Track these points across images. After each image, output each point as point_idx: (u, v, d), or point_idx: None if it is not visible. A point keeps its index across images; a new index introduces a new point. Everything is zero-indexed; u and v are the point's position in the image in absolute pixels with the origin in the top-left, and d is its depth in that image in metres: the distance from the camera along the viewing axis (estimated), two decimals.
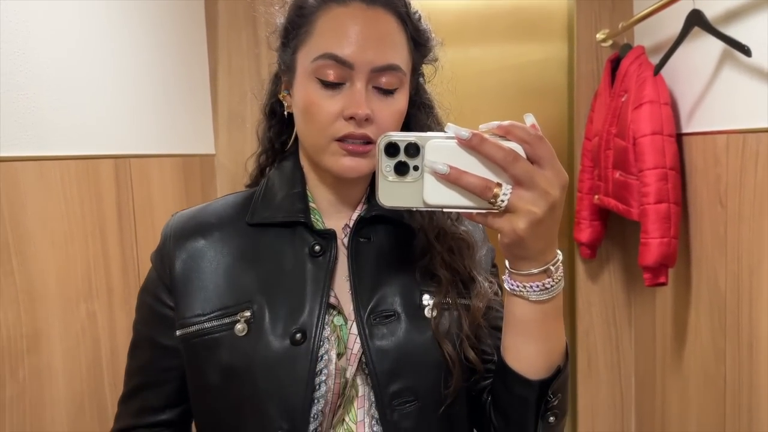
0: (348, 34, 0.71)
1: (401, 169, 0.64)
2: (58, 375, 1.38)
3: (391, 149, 0.63)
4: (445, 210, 0.65)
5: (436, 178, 0.62)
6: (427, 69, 0.85)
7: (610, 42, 2.32)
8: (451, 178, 0.61)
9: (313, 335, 0.72)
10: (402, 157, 0.63)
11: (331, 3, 0.74)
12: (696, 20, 1.68)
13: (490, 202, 0.61)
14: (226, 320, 0.74)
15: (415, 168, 0.63)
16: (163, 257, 0.81)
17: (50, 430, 1.35)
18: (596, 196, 2.21)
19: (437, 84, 0.85)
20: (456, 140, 0.62)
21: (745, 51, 1.54)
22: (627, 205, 2.00)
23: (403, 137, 0.64)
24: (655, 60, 1.91)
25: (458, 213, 0.73)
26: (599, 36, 2.33)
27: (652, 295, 2.24)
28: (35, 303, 1.31)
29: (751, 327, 1.58)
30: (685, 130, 1.92)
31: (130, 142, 1.78)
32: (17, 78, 1.30)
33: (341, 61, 0.72)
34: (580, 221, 2.35)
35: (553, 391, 0.69)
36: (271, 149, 0.89)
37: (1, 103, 1.25)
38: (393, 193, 0.64)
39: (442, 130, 0.70)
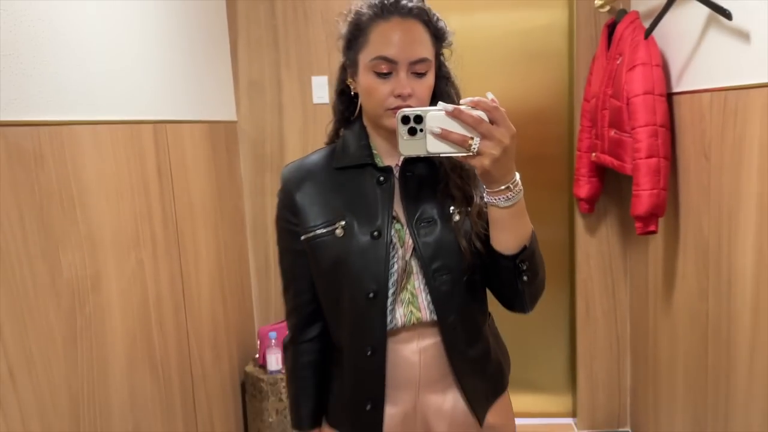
0: (392, 41, 1.05)
1: (412, 131, 0.95)
2: (115, 312, 1.59)
3: (405, 119, 0.96)
4: (440, 155, 0.97)
5: (433, 135, 0.95)
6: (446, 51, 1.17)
7: (607, 8, 2.44)
8: (442, 136, 0.94)
9: (385, 233, 1.09)
10: (412, 123, 0.95)
11: (378, 19, 1.07)
12: None
13: (467, 149, 0.94)
14: (330, 228, 1.11)
15: (421, 130, 0.95)
16: (285, 194, 1.17)
17: (111, 356, 1.56)
18: (593, 154, 2.37)
19: (450, 58, 1.17)
20: (444, 112, 0.94)
21: (727, 15, 1.68)
22: (621, 161, 2.16)
23: (412, 111, 0.95)
24: (648, 24, 2.05)
25: (449, 157, 1.02)
26: (597, 2, 2.46)
27: (645, 245, 2.42)
28: (96, 249, 1.51)
29: (729, 266, 1.76)
30: (675, 89, 2.07)
31: (166, 108, 1.96)
32: (77, 53, 1.48)
33: (389, 60, 1.05)
34: (579, 178, 2.51)
35: (521, 260, 1.03)
36: (341, 118, 1.21)
37: (64, 74, 1.43)
38: (407, 147, 0.97)
39: (457, 92, 1.13)
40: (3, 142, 1.22)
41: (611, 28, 2.32)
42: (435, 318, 1.11)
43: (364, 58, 1.08)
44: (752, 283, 1.64)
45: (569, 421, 2.87)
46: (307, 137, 2.68)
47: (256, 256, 2.75)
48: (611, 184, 2.54)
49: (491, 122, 0.93)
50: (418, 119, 0.95)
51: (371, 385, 1.13)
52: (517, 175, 0.98)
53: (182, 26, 2.12)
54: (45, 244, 1.32)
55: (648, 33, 1.97)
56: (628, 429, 2.76)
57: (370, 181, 1.13)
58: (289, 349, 1.24)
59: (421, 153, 0.97)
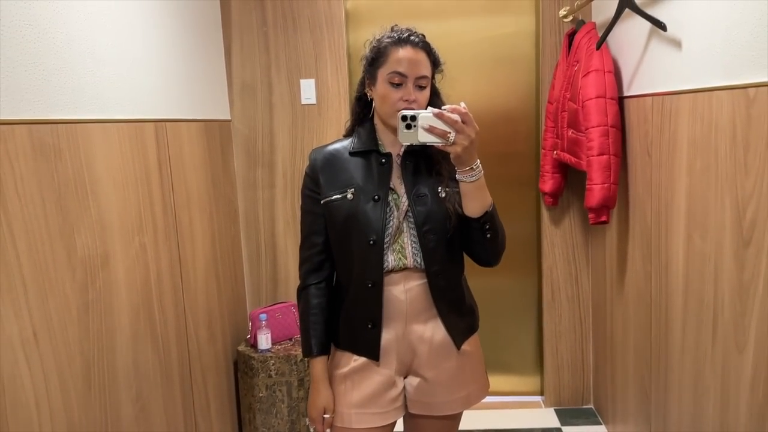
0: (405, 62, 1.43)
1: (408, 126, 1.34)
2: (122, 288, 1.80)
3: (404, 117, 1.34)
4: (427, 143, 1.35)
5: (423, 130, 1.33)
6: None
7: (570, 18, 2.67)
8: (429, 130, 1.33)
9: (384, 198, 1.47)
10: (408, 121, 1.34)
11: (395, 46, 1.45)
12: (627, 2, 2.04)
13: (446, 140, 1.33)
14: (343, 194, 1.49)
15: (414, 126, 1.34)
16: (312, 170, 1.55)
17: (117, 327, 1.77)
18: (555, 152, 2.60)
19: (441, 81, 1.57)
20: (431, 113, 1.32)
21: (662, 27, 1.91)
22: (578, 158, 2.39)
23: (409, 112, 1.34)
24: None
25: (434, 145, 1.36)
26: (561, 12, 2.69)
27: (603, 235, 2.64)
28: (105, 231, 1.72)
29: (668, 251, 1.98)
30: (626, 93, 2.30)
31: (166, 108, 2.17)
32: (89, 61, 1.69)
33: (401, 74, 1.44)
34: (544, 174, 2.74)
35: (484, 221, 1.43)
36: (357, 118, 1.59)
37: (79, 79, 1.64)
38: (404, 137, 1.35)
39: (443, 102, 1.51)
40: (28, 137, 1.43)
41: (571, 36, 2.55)
42: (419, 266, 1.49)
43: (383, 72, 1.46)
44: (683, 266, 1.87)
45: (538, 398, 3.10)
46: (295, 135, 2.90)
47: (248, 244, 2.97)
48: (573, 179, 2.76)
49: (463, 122, 1.32)
50: (413, 118, 1.34)
51: (372, 309, 1.50)
52: (478, 161, 1.39)
53: (180, 33, 2.33)
54: (62, 225, 1.54)
55: (599, 45, 2.20)
56: (591, 405, 2.99)
57: (375, 162, 1.51)
58: (300, 294, 1.60)
59: (414, 142, 1.35)
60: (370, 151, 1.52)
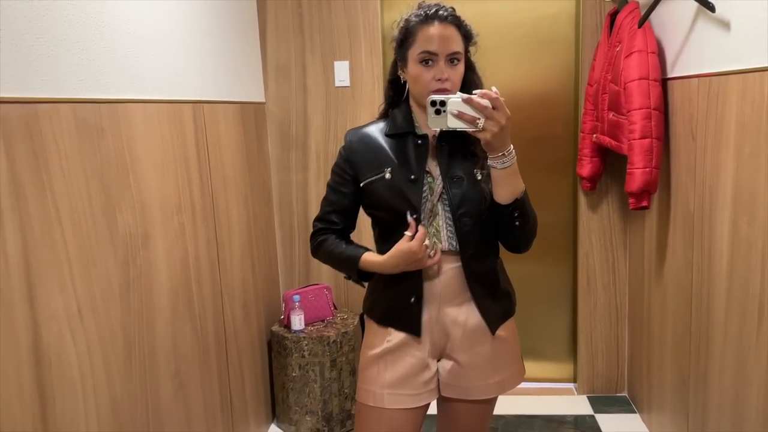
0: (434, 40, 1.39)
1: (437, 112, 1.32)
2: (161, 267, 1.83)
3: (433, 103, 1.32)
4: (456, 129, 1.32)
5: (452, 115, 1.30)
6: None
7: None
8: (458, 116, 1.30)
9: (420, 179, 1.46)
10: (438, 106, 1.32)
11: (423, 24, 1.40)
12: None
13: (475, 126, 1.30)
14: (380, 174, 1.48)
15: (444, 111, 1.31)
16: (347, 150, 1.54)
17: (157, 306, 1.80)
18: (594, 135, 2.54)
19: (475, 54, 1.52)
20: (461, 99, 1.29)
21: (710, 8, 1.84)
22: (618, 142, 2.34)
23: (438, 97, 1.31)
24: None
25: (463, 130, 1.33)
26: None
27: (642, 221, 2.59)
28: (145, 211, 1.75)
29: (711, 238, 1.93)
30: (669, 75, 2.23)
31: (203, 90, 2.18)
32: (130, 41, 1.71)
33: (432, 53, 1.39)
34: (582, 158, 2.69)
35: (513, 209, 1.40)
36: (391, 101, 1.57)
37: (120, 59, 1.66)
38: (434, 122, 1.33)
39: (480, 79, 1.49)
40: (72, 116, 1.45)
41: (613, 16, 2.48)
42: (454, 249, 1.47)
43: (413, 53, 1.42)
44: (728, 254, 1.82)
45: (570, 386, 3.07)
46: (329, 118, 2.89)
47: (281, 227, 2.99)
48: (613, 164, 2.70)
49: (493, 108, 1.28)
50: (442, 103, 1.31)
51: (414, 284, 1.49)
52: (511, 146, 1.35)
53: (217, 16, 2.34)
54: (105, 204, 1.56)
55: (641, 23, 2.13)
56: (625, 394, 2.95)
57: (411, 143, 1.49)
58: (314, 245, 1.60)
59: (443, 127, 1.33)
60: (406, 133, 1.50)
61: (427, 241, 1.43)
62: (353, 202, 1.56)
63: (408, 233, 1.42)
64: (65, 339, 1.40)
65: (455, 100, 1.30)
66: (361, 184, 1.51)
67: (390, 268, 1.46)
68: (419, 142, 1.48)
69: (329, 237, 1.58)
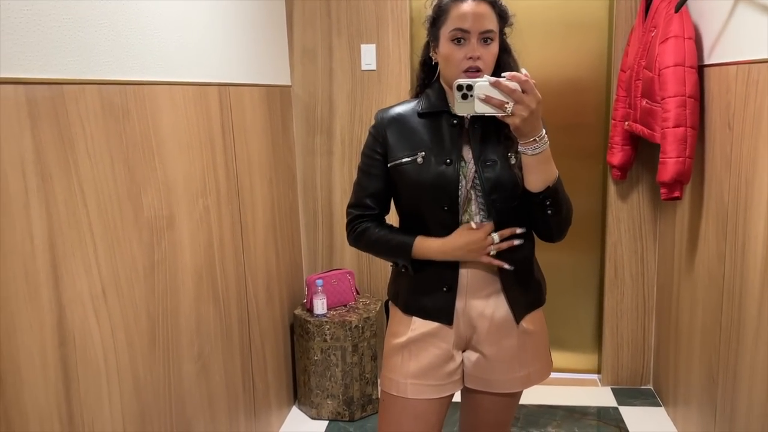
0: (466, 17, 1.34)
1: (464, 96, 1.26)
2: (186, 249, 1.84)
3: (459, 87, 1.26)
4: (484, 114, 1.27)
5: (479, 100, 1.25)
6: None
7: None
8: (486, 101, 1.25)
9: (455, 163, 1.40)
10: (464, 90, 1.26)
11: (455, 2, 1.36)
12: None
13: (504, 111, 1.24)
14: (413, 157, 1.43)
15: (471, 96, 1.25)
16: (378, 130, 1.49)
17: (181, 287, 1.81)
18: (626, 123, 2.48)
19: (511, 35, 1.48)
20: (488, 82, 1.23)
21: None
22: (651, 130, 2.27)
23: (465, 81, 1.25)
24: None
25: (491, 115, 1.28)
26: None
27: (674, 211, 2.52)
28: (170, 193, 1.75)
29: (745, 230, 1.87)
30: (706, 62, 2.16)
31: (229, 73, 2.17)
32: (157, 23, 1.70)
33: (464, 31, 1.34)
34: (613, 146, 2.62)
35: (545, 196, 1.35)
36: (422, 83, 1.53)
37: (147, 41, 1.65)
38: (461, 107, 1.28)
39: (515, 61, 1.43)
40: (98, 97, 1.45)
41: (648, 0, 2.40)
42: None
43: (445, 31, 1.37)
44: (763, 247, 1.76)
45: (594, 377, 3.03)
46: (354, 102, 2.87)
47: (305, 211, 2.98)
48: (644, 152, 2.63)
49: (523, 91, 1.23)
50: (469, 87, 1.25)
51: (447, 273, 1.46)
52: (544, 131, 1.29)
53: None
54: (130, 186, 1.56)
55: (678, 7, 2.06)
56: (650, 386, 2.90)
57: (446, 124, 1.44)
58: (354, 235, 1.54)
59: (470, 112, 1.28)
60: (440, 113, 1.44)
61: (495, 236, 1.40)
62: (387, 184, 1.50)
63: (473, 223, 1.41)
64: (89, 320, 1.41)
65: (482, 84, 1.24)
66: (389, 165, 1.46)
67: (448, 252, 1.43)
68: (454, 122, 1.43)
69: (370, 225, 1.52)
